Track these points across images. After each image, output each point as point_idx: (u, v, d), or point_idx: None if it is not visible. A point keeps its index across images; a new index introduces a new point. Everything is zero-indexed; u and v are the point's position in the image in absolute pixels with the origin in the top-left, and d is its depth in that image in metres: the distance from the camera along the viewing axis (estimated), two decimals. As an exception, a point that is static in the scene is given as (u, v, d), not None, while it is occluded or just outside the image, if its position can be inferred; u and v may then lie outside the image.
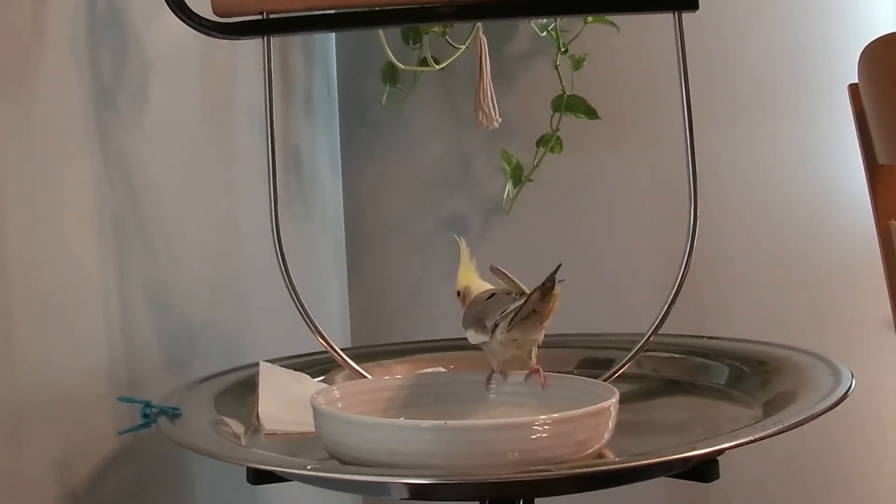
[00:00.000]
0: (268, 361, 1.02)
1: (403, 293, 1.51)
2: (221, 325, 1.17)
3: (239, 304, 1.21)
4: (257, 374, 0.99)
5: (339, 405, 0.85)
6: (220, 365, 1.06)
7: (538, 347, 0.87)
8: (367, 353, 1.10)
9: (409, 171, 1.49)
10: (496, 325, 0.83)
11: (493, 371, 0.89)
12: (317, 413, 0.81)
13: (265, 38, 0.96)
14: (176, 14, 0.94)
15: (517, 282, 0.85)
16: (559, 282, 0.80)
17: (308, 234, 1.42)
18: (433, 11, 0.97)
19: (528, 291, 0.83)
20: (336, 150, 1.51)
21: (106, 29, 0.99)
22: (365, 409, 0.86)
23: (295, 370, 1.03)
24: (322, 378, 1.04)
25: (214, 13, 0.95)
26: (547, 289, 0.80)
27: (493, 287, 0.89)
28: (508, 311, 0.82)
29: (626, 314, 1.35)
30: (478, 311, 0.86)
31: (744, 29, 1.40)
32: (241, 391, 0.99)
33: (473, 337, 0.87)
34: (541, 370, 0.87)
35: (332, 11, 0.96)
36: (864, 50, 0.89)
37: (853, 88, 0.97)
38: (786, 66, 1.38)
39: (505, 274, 0.86)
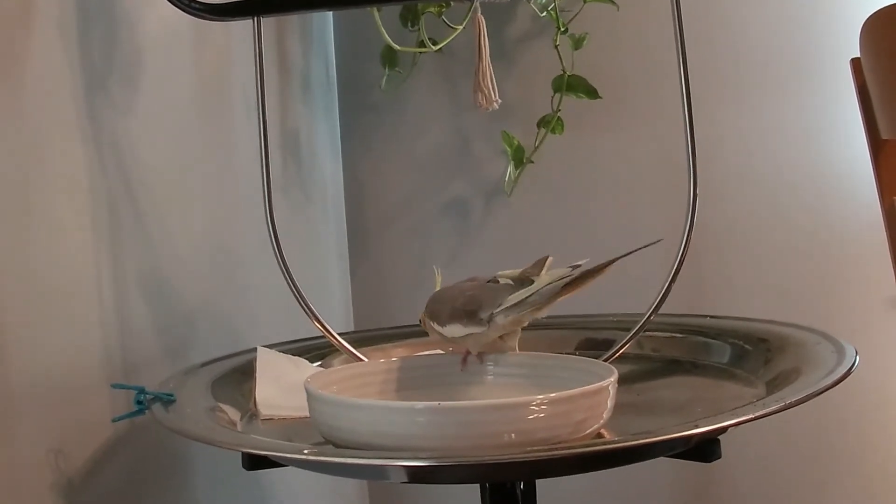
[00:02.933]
0: (266, 347, 1.01)
1: (406, 277, 1.50)
2: (219, 311, 1.16)
3: (237, 289, 1.20)
4: (255, 359, 0.99)
5: (334, 388, 0.84)
6: (218, 351, 1.05)
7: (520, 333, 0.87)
8: (365, 338, 1.09)
9: (410, 154, 1.48)
10: (493, 314, 0.83)
11: (468, 353, 0.88)
12: (310, 396, 0.80)
13: (255, 18, 0.95)
14: (165, -4, 0.93)
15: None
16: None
17: (308, 219, 1.42)
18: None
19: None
20: (336, 134, 1.50)
21: (96, 12, 0.98)
22: (360, 392, 0.85)
23: (293, 355, 1.02)
24: (320, 363, 1.04)
25: (204, -6, 0.94)
26: (600, 268, 0.82)
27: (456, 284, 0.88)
28: (517, 299, 0.82)
29: (628, 294, 1.34)
30: (464, 302, 0.85)
31: (744, 4, 1.38)
32: (238, 377, 0.98)
33: (459, 330, 0.85)
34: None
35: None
36: (865, 23, 0.88)
37: (855, 63, 0.96)
38: (787, 41, 1.37)
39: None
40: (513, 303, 0.83)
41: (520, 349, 0.88)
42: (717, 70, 1.37)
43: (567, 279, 0.82)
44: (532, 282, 0.84)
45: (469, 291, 0.86)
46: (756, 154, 1.39)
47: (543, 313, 0.84)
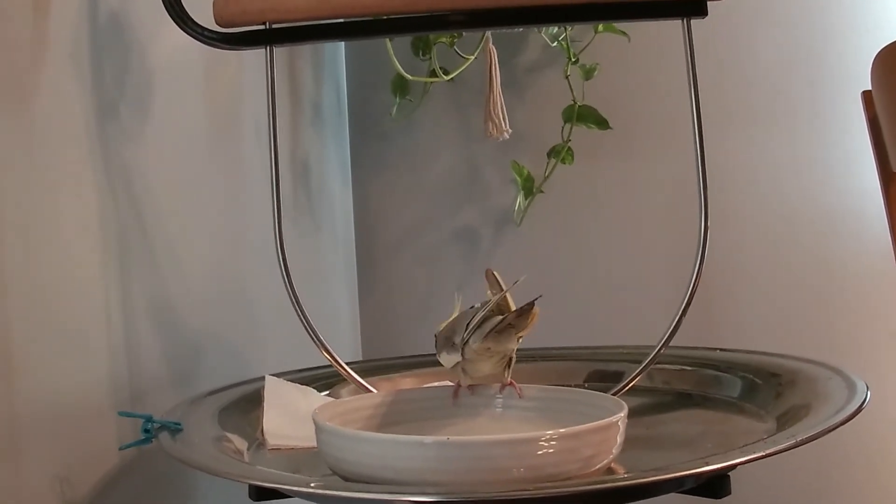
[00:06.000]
0: (274, 375, 1.01)
1: (415, 306, 1.49)
2: (228, 339, 1.15)
3: (246, 317, 1.20)
4: (263, 388, 0.98)
5: (342, 420, 0.83)
6: (227, 379, 1.04)
7: (512, 364, 0.86)
8: (374, 367, 1.09)
9: (420, 183, 1.48)
10: (467, 339, 0.82)
11: (459, 386, 0.87)
12: (318, 428, 0.79)
13: (268, 48, 0.95)
14: (178, 24, 0.93)
15: (503, 285, 0.84)
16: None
17: (318, 247, 1.41)
18: (432, 20, 0.95)
19: (510, 300, 0.83)
20: (346, 162, 1.51)
21: (108, 40, 0.98)
22: (368, 424, 0.85)
23: (301, 384, 1.02)
24: (328, 392, 1.03)
25: (217, 23, 0.94)
26: (524, 311, 0.80)
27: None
28: (478, 320, 0.81)
29: (638, 326, 1.34)
30: (447, 331, 0.85)
31: (756, 36, 1.38)
32: (245, 406, 0.98)
33: (446, 360, 0.85)
34: (514, 383, 0.86)
35: (336, 21, 0.95)
36: (876, 56, 0.88)
37: (866, 95, 0.95)
38: (799, 74, 1.37)
39: (496, 279, 0.85)
40: (471, 328, 0.82)
41: (529, 381, 0.88)
42: (729, 102, 1.37)
43: (512, 312, 0.81)
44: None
45: (453, 320, 0.86)
46: (767, 185, 1.38)
47: (513, 343, 0.83)
